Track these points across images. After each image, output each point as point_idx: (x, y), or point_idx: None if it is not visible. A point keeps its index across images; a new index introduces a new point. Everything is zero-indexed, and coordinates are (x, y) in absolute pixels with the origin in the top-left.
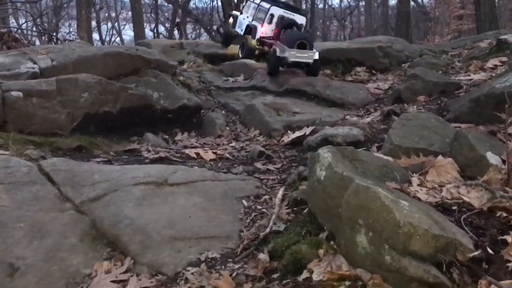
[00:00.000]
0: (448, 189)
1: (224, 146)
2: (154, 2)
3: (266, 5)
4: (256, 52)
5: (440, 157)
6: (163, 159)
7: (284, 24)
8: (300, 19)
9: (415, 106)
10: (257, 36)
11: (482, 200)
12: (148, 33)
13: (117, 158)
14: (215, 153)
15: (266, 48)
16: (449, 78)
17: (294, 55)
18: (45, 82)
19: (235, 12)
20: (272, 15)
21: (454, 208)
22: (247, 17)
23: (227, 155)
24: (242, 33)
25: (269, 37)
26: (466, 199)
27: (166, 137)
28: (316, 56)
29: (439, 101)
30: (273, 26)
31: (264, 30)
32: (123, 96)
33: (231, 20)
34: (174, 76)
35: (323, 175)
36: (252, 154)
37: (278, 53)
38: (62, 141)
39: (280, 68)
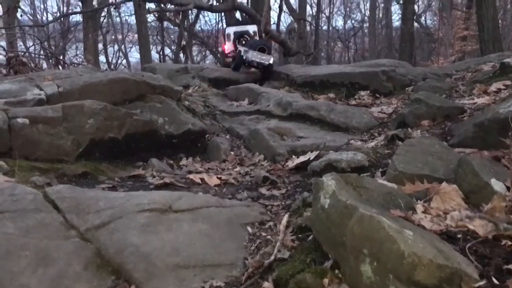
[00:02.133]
0: (452, 216)
1: (229, 171)
2: (160, 25)
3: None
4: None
5: (444, 184)
6: (168, 184)
7: (236, 36)
8: (252, 28)
9: (419, 131)
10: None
11: (486, 228)
12: (154, 55)
13: (122, 184)
14: (219, 178)
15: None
16: (453, 102)
17: (255, 55)
18: (51, 108)
19: None
20: (228, 34)
21: (458, 236)
22: None
23: (232, 180)
24: None
25: (232, 51)
26: (470, 227)
27: (171, 162)
28: (271, 61)
29: (443, 126)
30: (231, 42)
31: (228, 47)
32: (129, 122)
33: None
34: (179, 101)
35: (327, 203)
36: (256, 179)
37: (242, 53)
38: (68, 167)
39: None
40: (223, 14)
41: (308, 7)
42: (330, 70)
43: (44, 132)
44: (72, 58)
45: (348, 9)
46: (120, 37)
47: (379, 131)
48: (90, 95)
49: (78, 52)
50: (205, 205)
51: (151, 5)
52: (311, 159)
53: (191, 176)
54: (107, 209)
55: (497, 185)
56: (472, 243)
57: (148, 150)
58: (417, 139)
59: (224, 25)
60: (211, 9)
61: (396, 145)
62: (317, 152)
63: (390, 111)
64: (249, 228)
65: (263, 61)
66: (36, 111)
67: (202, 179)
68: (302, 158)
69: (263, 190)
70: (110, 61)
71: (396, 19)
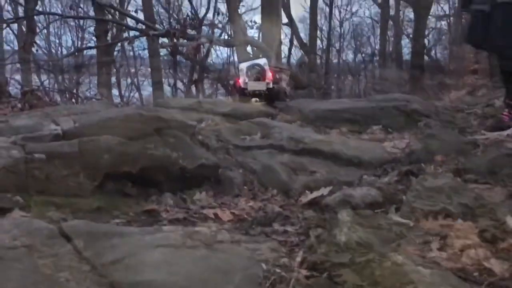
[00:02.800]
0: (468, 254)
1: (242, 206)
2: (172, 58)
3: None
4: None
5: (459, 221)
6: (181, 220)
7: (248, 70)
8: (262, 61)
9: (432, 166)
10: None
11: (503, 266)
12: (167, 88)
13: (136, 219)
14: (233, 213)
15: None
16: (466, 137)
17: (251, 85)
18: (68, 144)
19: None
20: (242, 69)
21: (475, 274)
22: None
23: (245, 215)
24: None
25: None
26: (487, 265)
27: (185, 196)
28: (268, 86)
29: (457, 161)
30: (244, 76)
31: (241, 81)
32: (143, 156)
33: None
34: (193, 136)
35: (342, 241)
36: (269, 215)
37: (240, 85)
38: (83, 202)
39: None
40: (234, 48)
41: (318, 41)
42: (342, 105)
43: (60, 167)
44: (85, 91)
45: (358, 43)
46: (133, 70)
47: (392, 166)
48: (105, 131)
49: (91, 85)
50: (219, 240)
51: (164, 40)
52: (324, 194)
53: (204, 211)
54: (121, 245)
55: None
56: (489, 281)
57: (162, 184)
58: (430, 174)
59: (236, 59)
60: (223, 43)
61: (409, 181)
62: (331, 187)
63: (403, 146)
64: (263, 265)
65: (259, 89)
66: (53, 147)
67: (215, 214)
68: (316, 194)
69: (276, 226)
70: (122, 94)
71: (406, 52)
